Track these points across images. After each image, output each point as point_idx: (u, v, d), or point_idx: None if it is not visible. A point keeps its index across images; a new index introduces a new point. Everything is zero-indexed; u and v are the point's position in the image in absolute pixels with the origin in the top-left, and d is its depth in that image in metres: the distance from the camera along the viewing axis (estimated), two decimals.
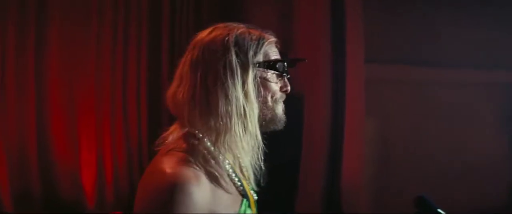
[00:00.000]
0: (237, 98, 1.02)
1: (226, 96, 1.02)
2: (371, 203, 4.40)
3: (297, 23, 3.81)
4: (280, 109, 1.14)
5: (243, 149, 1.08)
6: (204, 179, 1.02)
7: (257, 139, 1.09)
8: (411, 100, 4.73)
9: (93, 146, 3.52)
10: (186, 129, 1.09)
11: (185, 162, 1.02)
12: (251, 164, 1.13)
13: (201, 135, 1.07)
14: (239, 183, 1.13)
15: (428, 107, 4.72)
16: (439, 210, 1.21)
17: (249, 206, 1.15)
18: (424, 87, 4.75)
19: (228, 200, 1.09)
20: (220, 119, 1.02)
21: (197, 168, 1.03)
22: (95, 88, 3.58)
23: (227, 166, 1.09)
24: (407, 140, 4.68)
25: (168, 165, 1.00)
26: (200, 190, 0.98)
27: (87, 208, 3.46)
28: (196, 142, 1.06)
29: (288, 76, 1.14)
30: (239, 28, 1.10)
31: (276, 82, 1.13)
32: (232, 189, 1.12)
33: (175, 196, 0.95)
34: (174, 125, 1.17)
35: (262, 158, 1.12)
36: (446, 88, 4.79)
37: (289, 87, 1.16)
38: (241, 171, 1.16)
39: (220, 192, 1.07)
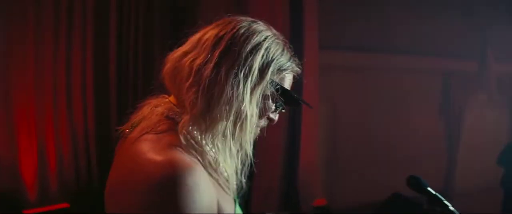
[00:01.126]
0: (242, 99, 0.92)
1: (233, 90, 0.92)
2: (323, 185, 4.49)
3: (253, 9, 3.71)
4: (252, 132, 1.02)
5: (229, 152, 0.96)
6: (202, 168, 0.90)
7: (247, 152, 0.99)
8: (360, 86, 4.85)
9: (33, 132, 3.18)
10: (169, 108, 0.97)
11: (175, 146, 0.88)
12: (235, 173, 1.01)
13: (188, 120, 0.93)
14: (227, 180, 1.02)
15: (376, 92, 4.87)
16: (429, 189, 1.27)
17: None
18: (372, 73, 4.88)
19: (225, 195, 0.98)
20: (217, 110, 0.91)
21: (191, 154, 0.90)
22: (36, 69, 3.22)
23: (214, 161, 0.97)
24: (356, 124, 4.81)
25: (155, 152, 0.86)
26: (204, 178, 0.86)
27: (28, 201, 3.14)
28: (181, 128, 0.92)
29: (284, 110, 1.06)
30: (279, 38, 1.03)
31: (271, 109, 1.03)
32: (225, 185, 1.00)
33: (178, 190, 0.81)
34: (150, 100, 1.04)
35: (246, 176, 1.02)
36: (393, 74, 4.95)
37: (275, 121, 1.08)
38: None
39: (216, 185, 0.96)
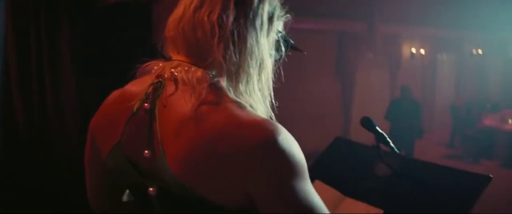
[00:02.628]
0: (262, 48, 0.92)
1: (253, 40, 0.91)
2: None
3: None
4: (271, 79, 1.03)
5: (259, 101, 0.94)
6: None
7: (271, 98, 0.98)
8: None
9: None
10: (201, 71, 0.90)
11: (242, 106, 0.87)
12: (266, 116, 0.95)
13: (221, 80, 0.90)
14: None
15: None
16: (377, 128, 1.33)
17: None
18: None
19: None
20: (245, 62, 0.90)
21: None
22: None
23: None
24: None
25: (243, 116, 0.83)
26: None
27: None
28: (225, 92, 0.89)
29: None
30: None
31: (276, 56, 1.03)
32: None
33: (290, 139, 0.82)
34: (155, 65, 0.95)
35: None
36: (289, 34, 4.97)
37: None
38: None
39: None
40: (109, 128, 0.96)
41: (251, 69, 0.90)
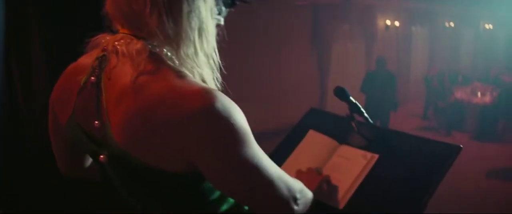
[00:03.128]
0: (199, 10, 0.91)
1: (189, 4, 0.90)
2: None
3: None
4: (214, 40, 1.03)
5: (203, 63, 0.94)
6: None
7: (214, 59, 0.97)
8: (233, 23, 4.71)
9: None
10: (138, 40, 0.90)
11: (183, 74, 0.88)
12: (212, 79, 0.97)
13: (163, 49, 0.90)
14: None
15: (250, 28, 4.80)
16: (351, 98, 1.32)
17: None
18: (244, 7, 4.77)
19: None
20: (182, 28, 0.90)
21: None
22: None
23: None
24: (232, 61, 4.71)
25: (180, 85, 0.84)
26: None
27: None
28: (165, 62, 0.90)
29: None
30: None
31: (218, 13, 1.01)
32: None
33: (232, 106, 0.84)
34: (100, 39, 0.96)
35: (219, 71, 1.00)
36: (264, 9, 4.91)
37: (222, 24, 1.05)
38: None
39: None
40: (65, 100, 1.00)
41: (190, 34, 0.90)
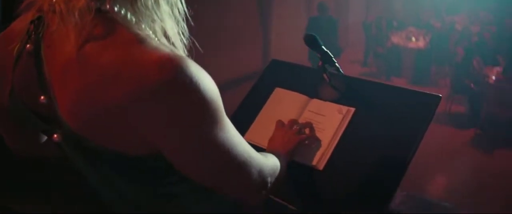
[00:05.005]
0: None
1: None
2: None
3: None
4: None
5: (168, 14, 0.78)
6: None
7: (179, 9, 0.80)
8: None
9: None
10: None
11: (142, 39, 0.70)
12: (178, 32, 0.81)
13: (113, 5, 0.71)
14: None
15: None
16: (323, 47, 1.21)
17: None
18: None
19: None
20: None
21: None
22: None
23: None
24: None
25: (138, 53, 0.67)
26: None
27: None
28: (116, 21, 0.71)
29: None
30: None
31: None
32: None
33: (197, 72, 0.68)
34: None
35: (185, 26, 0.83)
36: None
37: None
38: None
39: None
40: (0, 74, 0.81)
41: None
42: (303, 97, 1.24)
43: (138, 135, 0.70)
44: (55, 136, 0.75)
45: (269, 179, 0.84)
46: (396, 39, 7.62)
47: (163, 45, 0.71)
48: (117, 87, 0.66)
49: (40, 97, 0.74)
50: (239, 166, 0.76)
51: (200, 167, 0.74)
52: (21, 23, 0.80)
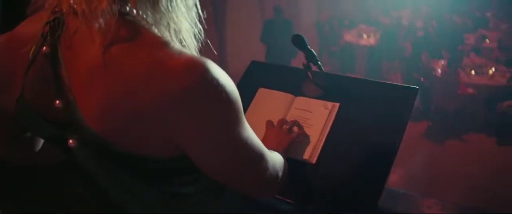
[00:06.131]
0: None
1: None
2: None
3: None
4: None
5: (184, 14, 0.78)
6: None
7: (196, 11, 0.81)
8: None
9: None
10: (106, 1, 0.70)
11: (166, 42, 0.71)
12: (194, 34, 0.81)
13: (134, 6, 0.71)
14: None
15: None
16: (308, 47, 1.26)
17: None
18: None
19: None
20: None
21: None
22: None
23: None
24: None
25: (165, 57, 0.68)
26: None
27: None
28: (138, 23, 0.72)
29: None
30: None
31: None
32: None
33: (221, 75, 0.70)
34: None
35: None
36: None
37: None
38: None
39: None
40: (5, 80, 0.79)
41: None
42: (288, 96, 1.29)
43: (165, 137, 0.71)
44: (71, 141, 0.74)
45: (280, 174, 0.88)
46: (348, 37, 7.88)
47: (184, 48, 0.72)
48: (146, 91, 0.67)
49: (55, 101, 0.73)
50: (257, 161, 0.80)
51: (224, 165, 0.76)
52: (29, 27, 0.78)
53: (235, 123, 0.73)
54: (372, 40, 7.71)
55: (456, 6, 9.60)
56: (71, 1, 0.71)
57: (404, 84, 1.22)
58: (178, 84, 0.66)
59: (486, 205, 3.89)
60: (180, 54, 0.69)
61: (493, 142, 5.25)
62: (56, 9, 0.73)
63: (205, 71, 0.68)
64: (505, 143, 5.17)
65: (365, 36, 7.95)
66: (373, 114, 1.18)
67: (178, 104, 0.67)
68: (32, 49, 0.74)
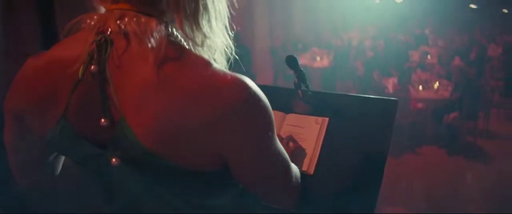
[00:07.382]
0: None
1: None
2: None
3: None
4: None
5: (218, 33, 0.86)
6: None
7: (226, 26, 0.88)
8: None
9: None
10: (148, 17, 0.77)
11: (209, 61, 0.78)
12: (226, 48, 0.89)
13: (176, 27, 0.80)
14: None
15: None
16: (300, 67, 1.37)
17: None
18: None
19: None
20: (196, 3, 0.79)
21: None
22: None
23: None
24: None
25: (212, 75, 0.74)
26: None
27: None
28: (181, 43, 0.79)
29: None
30: None
31: None
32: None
33: (261, 95, 0.78)
34: (89, 19, 0.78)
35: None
36: None
37: None
38: None
39: None
40: (44, 103, 0.80)
41: (202, 8, 0.80)
42: (279, 114, 1.38)
43: (213, 150, 0.77)
44: (114, 160, 0.76)
45: (300, 182, 0.95)
46: (302, 60, 8.13)
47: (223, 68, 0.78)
48: (198, 107, 0.72)
49: (101, 120, 0.75)
50: (288, 168, 0.87)
51: (261, 174, 0.83)
52: (69, 49, 0.79)
53: (273, 132, 0.81)
54: (325, 62, 8.01)
55: (398, 25, 10.19)
56: (118, 21, 0.75)
57: (384, 97, 1.34)
58: (227, 100, 0.73)
59: (440, 210, 4.15)
60: (223, 72, 0.76)
61: (443, 152, 5.58)
62: (101, 30, 0.76)
63: (248, 87, 0.75)
64: (454, 153, 5.52)
65: (318, 58, 8.24)
66: (360, 125, 1.28)
67: (227, 118, 0.74)
68: (81, 68, 0.75)
